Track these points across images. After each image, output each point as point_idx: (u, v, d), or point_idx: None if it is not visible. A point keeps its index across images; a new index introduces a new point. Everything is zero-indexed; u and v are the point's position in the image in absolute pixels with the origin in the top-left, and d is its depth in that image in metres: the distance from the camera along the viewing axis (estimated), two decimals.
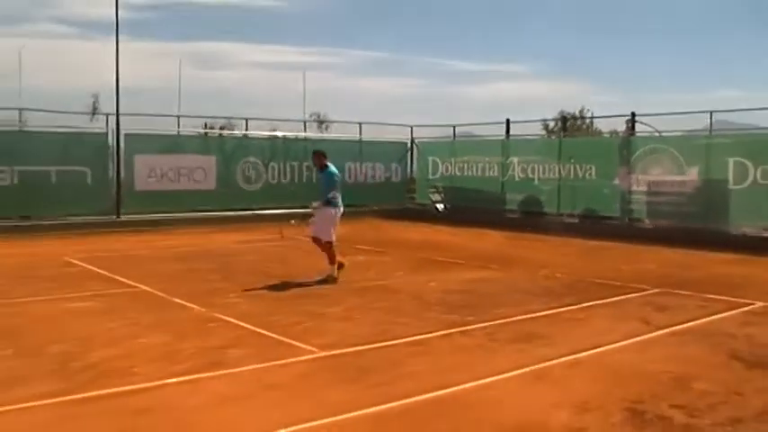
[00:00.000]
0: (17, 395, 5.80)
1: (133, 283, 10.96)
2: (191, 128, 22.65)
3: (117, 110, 19.07)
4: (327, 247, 11.46)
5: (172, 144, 21.01)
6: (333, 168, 11.70)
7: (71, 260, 13.23)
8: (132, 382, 6.18)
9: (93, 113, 22.43)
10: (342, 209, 11.66)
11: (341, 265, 11.48)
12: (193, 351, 7.19)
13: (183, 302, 9.61)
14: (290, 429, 5.11)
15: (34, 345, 7.39)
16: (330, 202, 11.47)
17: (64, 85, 37.74)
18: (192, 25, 68.46)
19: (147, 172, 19.93)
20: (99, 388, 6.00)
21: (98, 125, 20.88)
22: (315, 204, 11.69)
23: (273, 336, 7.84)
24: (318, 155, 11.89)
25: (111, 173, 19.49)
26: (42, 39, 59.26)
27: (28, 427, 5.22)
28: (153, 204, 19.78)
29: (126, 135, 19.48)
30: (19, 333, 7.93)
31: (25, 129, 19.37)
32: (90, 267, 12.56)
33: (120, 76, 18.96)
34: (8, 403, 5.60)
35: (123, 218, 19.18)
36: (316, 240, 11.59)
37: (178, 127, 22.08)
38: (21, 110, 19.66)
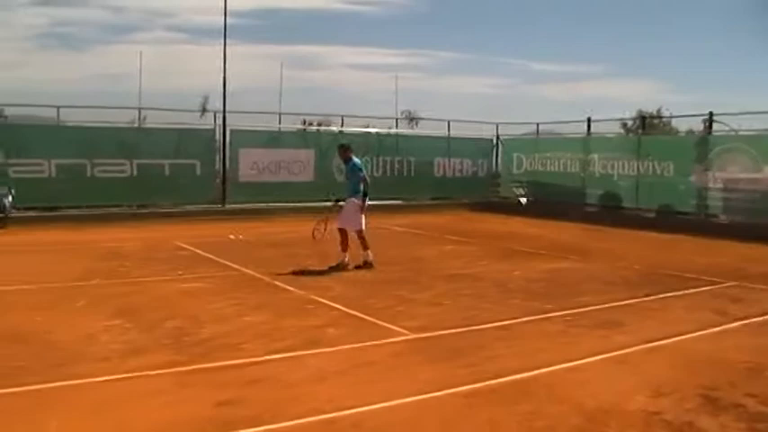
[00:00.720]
0: (138, 364, 6.23)
1: (237, 267, 11.36)
2: (290, 124, 23.13)
3: (224, 108, 19.84)
4: (360, 236, 11.50)
5: (273, 139, 21.53)
6: (357, 160, 11.76)
7: (182, 245, 13.77)
8: (240, 357, 6.51)
9: (203, 111, 23.20)
10: (368, 199, 11.62)
11: (345, 261, 11.41)
12: (294, 330, 7.48)
13: (283, 285, 9.95)
14: (386, 404, 5.33)
15: (152, 320, 7.84)
16: (355, 194, 11.49)
17: (177, 86, 39.04)
18: (292, 30, 69.59)
19: (250, 164, 20.49)
20: (210, 361, 6.37)
21: (207, 122, 21.61)
22: (344, 202, 11.73)
23: (367, 318, 8.08)
24: (343, 148, 11.94)
25: (218, 165, 20.18)
26: (159, 45, 61.28)
27: (148, 392, 5.57)
28: (255, 194, 20.33)
29: (231, 131, 20.17)
30: (139, 310, 8.38)
31: (143, 126, 20.22)
32: (198, 251, 13.06)
33: (226, 77, 19.74)
34: (130, 371, 6.03)
35: (228, 206, 19.79)
36: (342, 231, 11.55)
37: (279, 123, 22.60)
38: (140, 109, 20.53)
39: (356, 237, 11.53)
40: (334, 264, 11.37)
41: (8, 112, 20.70)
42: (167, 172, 19.25)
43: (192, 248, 13.38)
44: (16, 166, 17.35)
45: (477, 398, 5.56)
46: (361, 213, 11.46)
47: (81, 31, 68.82)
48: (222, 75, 19.91)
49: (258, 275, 10.69)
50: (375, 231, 15.35)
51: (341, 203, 11.81)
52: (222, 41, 19.96)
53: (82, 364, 6.22)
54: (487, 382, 5.85)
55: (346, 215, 11.54)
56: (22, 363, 6.20)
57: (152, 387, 5.69)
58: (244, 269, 11.18)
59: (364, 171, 11.68)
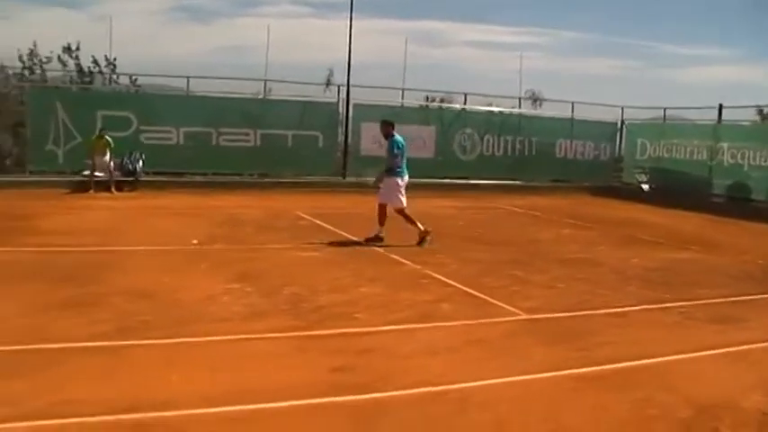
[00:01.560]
0: (259, 327, 6.43)
1: (355, 239, 11.47)
2: (413, 100, 23.08)
3: (348, 82, 20.04)
4: (403, 214, 11.28)
5: (395, 114, 21.44)
6: (398, 138, 11.39)
7: (302, 214, 14.06)
8: (354, 326, 6.61)
9: (327, 85, 23.46)
10: (407, 177, 11.36)
11: (424, 237, 11.12)
12: (408, 303, 7.51)
13: (400, 259, 9.98)
14: (494, 381, 5.29)
15: (271, 286, 8.04)
16: (392, 171, 11.24)
17: (302, 59, 39.68)
18: (416, 5, 69.21)
19: (371, 139, 20.59)
20: (325, 328, 6.48)
21: (330, 95, 21.86)
22: (375, 178, 11.65)
23: (481, 296, 8.00)
24: (385, 124, 11.64)
25: (340, 138, 20.45)
26: (284, 18, 62.57)
27: (266, 354, 5.75)
28: (375, 168, 20.42)
29: (354, 105, 20.35)
30: (259, 275, 8.61)
31: (268, 98, 20.73)
32: (317, 222, 13.30)
33: (351, 52, 19.88)
34: (252, 332, 6.24)
35: (348, 179, 20.03)
36: (381, 207, 11.26)
37: (401, 99, 22.60)
38: (266, 81, 21.01)
39: (400, 215, 11.32)
40: (371, 235, 11.18)
41: (141, 81, 21.63)
42: (290, 143, 19.66)
43: (311, 219, 13.64)
44: (147, 133, 18.19)
45: (587, 382, 5.42)
46: (398, 191, 11.23)
47: (210, 4, 70.93)
48: (348, 49, 20.11)
49: (375, 248, 10.77)
50: (493, 211, 15.25)
51: (373, 179, 11.73)
52: (348, 15, 20.12)
53: (203, 323, 6.46)
54: (598, 368, 5.70)
55: (386, 192, 11.34)
56: (148, 317, 6.51)
57: (269, 349, 5.85)
58: (362, 240, 11.28)
59: (399, 150, 11.25)
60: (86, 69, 22.30)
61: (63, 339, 5.76)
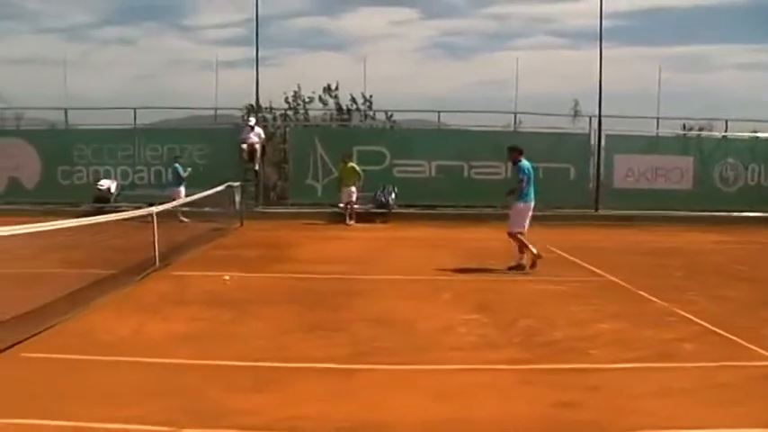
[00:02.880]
0: (489, 357, 6.49)
1: (601, 273, 11.16)
2: (668, 129, 22.06)
3: (599, 112, 19.63)
4: (517, 238, 11.43)
5: (650, 144, 20.74)
6: (524, 163, 11.56)
7: (550, 247, 13.84)
8: (586, 362, 6.43)
9: (575, 116, 23.11)
10: (533, 202, 11.60)
11: (535, 261, 11.28)
12: (647, 341, 7.15)
13: (646, 295, 9.53)
14: (735, 430, 4.88)
15: (507, 318, 8.06)
16: (519, 197, 11.46)
17: (552, 91, 39.49)
18: (671, 30, 65.76)
19: (625, 171, 20.02)
20: (556, 362, 6.39)
21: (580, 126, 21.52)
22: (506, 202, 12.04)
23: (729, 336, 7.38)
24: (512, 150, 11.80)
25: (592, 170, 19.99)
26: (537, 50, 62.56)
27: (492, 385, 5.77)
28: (628, 201, 19.80)
29: (607, 136, 19.90)
30: (498, 307, 8.68)
31: (519, 130, 20.85)
32: (565, 255, 13.09)
33: (602, 81, 19.47)
34: (481, 363, 6.32)
35: (600, 212, 19.52)
36: (511, 235, 11.57)
37: (656, 128, 21.67)
38: (515, 114, 21.19)
39: (515, 239, 11.51)
40: (513, 264, 11.33)
41: (395, 117, 22.80)
42: (541, 175, 19.49)
43: (559, 251, 13.44)
44: (400, 167, 19.13)
45: None
46: (522, 216, 11.50)
47: (466, 41, 73.05)
48: (598, 78, 19.72)
49: (622, 283, 10.38)
50: (756, 246, 14.03)
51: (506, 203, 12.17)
52: (598, 44, 19.79)
53: (436, 351, 6.66)
54: None
55: (513, 218, 11.69)
56: (384, 344, 6.85)
57: (496, 380, 5.88)
58: (608, 276, 10.94)
59: (526, 175, 11.48)
60: (345, 107, 23.93)
61: (302, 359, 6.27)
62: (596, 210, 19.68)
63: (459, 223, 17.73)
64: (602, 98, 19.71)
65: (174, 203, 14.24)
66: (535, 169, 11.88)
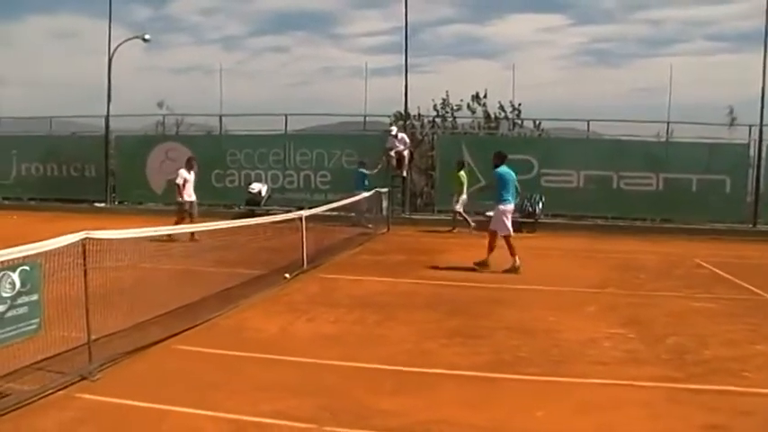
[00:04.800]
0: (635, 373, 6.30)
1: (758, 291, 10.52)
2: None
3: (761, 121, 18.45)
4: (505, 240, 11.94)
5: None
6: (502, 169, 12.13)
7: (701, 263, 13.27)
8: (739, 384, 6.11)
9: (731, 124, 21.75)
10: (510, 205, 12.14)
11: (485, 262, 11.82)
12: None
13: None
14: None
15: (656, 334, 7.79)
16: (496, 200, 12.11)
17: (708, 98, 37.46)
18: None
19: None
20: (706, 383, 6.11)
21: (738, 135, 20.31)
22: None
23: None
24: (495, 155, 12.41)
25: (750, 183, 18.84)
26: (695, 56, 59.82)
27: (636, 402, 5.61)
28: None
29: None
30: (645, 322, 8.39)
31: (671, 140, 20.00)
32: (717, 271, 12.44)
33: (766, 87, 18.30)
34: (626, 379, 6.14)
35: (759, 227, 18.39)
36: (492, 233, 12.08)
37: None
38: (668, 123, 20.30)
39: (505, 241, 12.00)
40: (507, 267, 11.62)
41: (544, 125, 22.48)
42: (694, 187, 18.72)
43: (711, 267, 12.81)
44: (548, 176, 18.83)
45: None
46: (499, 219, 11.99)
47: (619, 47, 70.76)
48: (760, 84, 18.55)
49: None
50: None
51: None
52: (762, 48, 18.60)
53: (578, 364, 6.55)
54: None
55: (494, 221, 12.22)
56: (526, 354, 6.81)
57: (640, 397, 5.71)
58: (765, 294, 10.33)
59: (500, 179, 12.05)
60: (492, 115, 23.80)
61: (445, 366, 6.35)
62: (754, 225, 18.51)
63: (608, 235, 17.23)
64: (765, 105, 18.52)
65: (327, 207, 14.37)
66: (516, 173, 12.47)
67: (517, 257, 11.79)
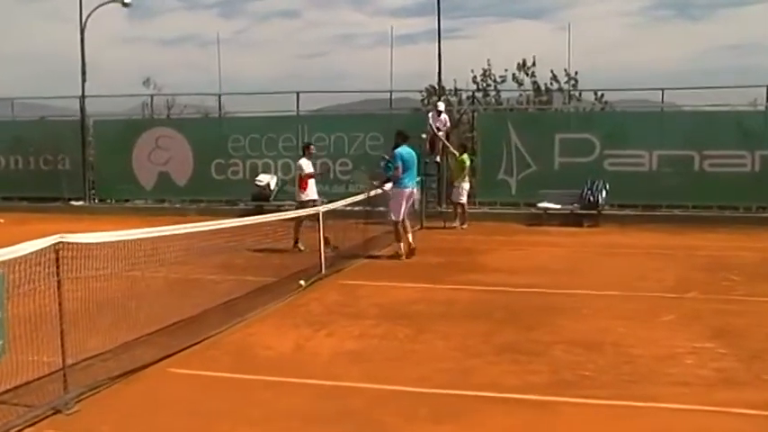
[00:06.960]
0: (728, 398, 6.15)
1: None
2: None
3: None
4: (394, 226, 13.13)
5: None
6: (403, 149, 13.31)
7: None
8: None
9: None
10: (408, 188, 13.30)
11: (411, 253, 13.13)
12: None
13: None
14: None
15: (754, 349, 7.62)
16: (393, 182, 13.23)
17: None
18: None
19: None
20: None
21: None
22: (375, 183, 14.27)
23: None
24: (396, 133, 13.62)
25: None
26: None
27: None
28: None
29: None
30: (740, 333, 8.25)
31: None
32: None
33: None
34: (717, 404, 6.00)
35: None
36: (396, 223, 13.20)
37: None
38: (767, 87, 19.90)
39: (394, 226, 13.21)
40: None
41: (608, 97, 22.24)
42: None
43: None
44: (612, 158, 18.65)
45: None
46: (398, 203, 13.17)
47: None
48: None
49: None
50: None
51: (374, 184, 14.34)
52: None
53: (655, 385, 6.44)
54: None
55: (391, 203, 13.33)
56: (591, 372, 6.74)
57: (735, 427, 5.61)
58: None
59: (399, 163, 13.11)
60: (544, 87, 23.65)
61: (491, 387, 6.30)
62: None
63: (688, 228, 17.02)
64: None
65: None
66: (419, 155, 13.60)
67: (402, 245, 13.21)
